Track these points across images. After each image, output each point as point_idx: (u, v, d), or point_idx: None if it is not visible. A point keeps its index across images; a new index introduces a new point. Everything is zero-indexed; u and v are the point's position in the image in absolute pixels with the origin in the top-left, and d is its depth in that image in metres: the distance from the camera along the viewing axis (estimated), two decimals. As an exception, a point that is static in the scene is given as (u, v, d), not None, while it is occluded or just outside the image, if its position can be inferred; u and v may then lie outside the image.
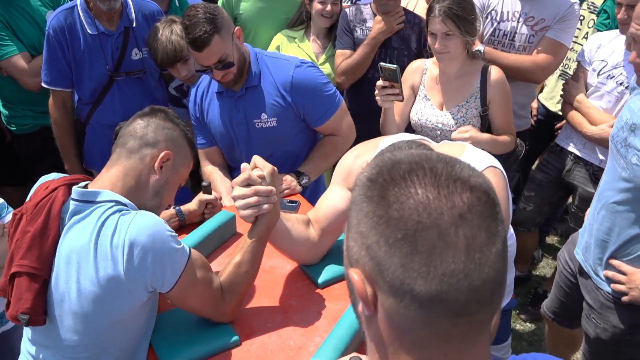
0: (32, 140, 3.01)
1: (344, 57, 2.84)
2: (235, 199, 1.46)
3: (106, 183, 1.42)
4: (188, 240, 1.77)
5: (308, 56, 2.96)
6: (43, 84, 2.58)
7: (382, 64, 2.14)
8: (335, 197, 1.70)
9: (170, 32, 2.43)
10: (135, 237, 1.30)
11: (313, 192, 2.42)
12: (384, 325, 0.67)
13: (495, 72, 2.34)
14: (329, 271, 1.73)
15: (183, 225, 2.01)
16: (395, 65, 2.11)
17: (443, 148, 1.61)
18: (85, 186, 1.44)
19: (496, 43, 2.69)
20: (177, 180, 1.53)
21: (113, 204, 1.37)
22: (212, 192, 2.05)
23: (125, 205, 1.39)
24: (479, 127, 2.35)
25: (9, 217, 2.03)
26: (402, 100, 2.25)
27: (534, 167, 3.44)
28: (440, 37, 2.24)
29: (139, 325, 1.45)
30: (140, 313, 1.42)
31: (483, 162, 1.50)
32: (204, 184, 2.01)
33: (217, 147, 2.38)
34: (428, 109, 2.41)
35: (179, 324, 1.53)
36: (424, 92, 2.44)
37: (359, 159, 1.66)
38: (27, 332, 1.47)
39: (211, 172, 2.36)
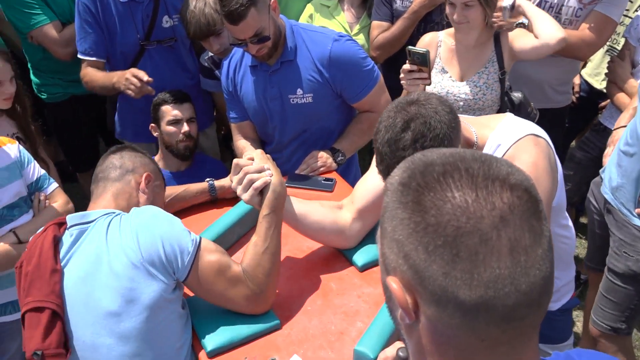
0: (62, 110, 2.99)
1: (381, 30, 2.74)
2: (234, 189, 1.51)
3: (99, 208, 1.49)
4: (208, 233, 1.73)
5: (342, 26, 2.87)
6: (79, 55, 2.53)
7: (410, 48, 2.06)
8: (373, 177, 1.65)
9: (203, 4, 2.35)
10: (142, 222, 1.36)
11: (345, 171, 2.37)
12: (427, 333, 0.64)
13: (507, 33, 2.31)
14: (369, 254, 1.70)
15: (215, 201, 1.99)
16: (425, 50, 2.04)
17: (482, 120, 1.55)
18: None
19: (541, 16, 2.56)
20: (159, 202, 1.64)
21: (108, 213, 1.43)
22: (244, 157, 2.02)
23: (119, 212, 1.45)
24: (499, 92, 2.30)
25: (51, 188, 2.04)
26: (429, 84, 2.18)
27: (572, 144, 3.35)
28: (460, 7, 2.17)
29: (176, 329, 1.41)
30: (173, 314, 1.40)
31: (522, 130, 1.45)
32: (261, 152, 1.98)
33: (249, 122, 2.33)
34: (447, 82, 2.34)
35: (220, 308, 1.51)
36: (440, 64, 2.36)
37: None
38: None
39: (244, 146, 2.32)
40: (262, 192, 1.49)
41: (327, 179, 2.13)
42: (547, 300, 0.63)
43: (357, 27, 2.90)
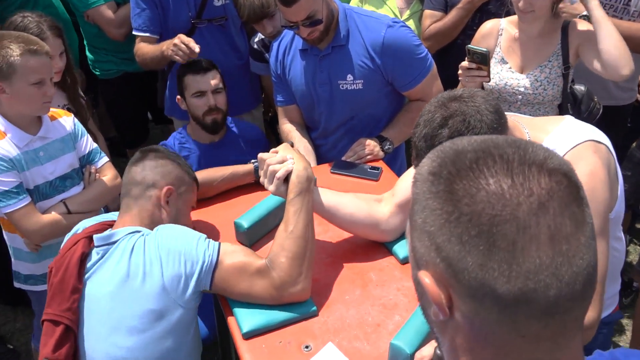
0: (114, 86, 3.05)
1: (433, 20, 2.65)
2: (262, 183, 1.53)
3: (124, 226, 1.52)
4: (249, 215, 1.73)
5: (391, 11, 2.79)
6: (133, 31, 2.57)
7: (470, 46, 1.99)
8: None
9: None
10: (164, 245, 1.40)
11: (392, 160, 2.32)
12: (463, 330, 0.61)
13: (578, 24, 2.14)
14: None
15: (259, 183, 1.99)
16: (485, 49, 1.97)
17: (538, 122, 1.47)
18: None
19: (607, 7, 2.42)
20: (187, 207, 1.66)
21: (132, 233, 1.47)
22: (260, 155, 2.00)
23: (142, 231, 1.48)
24: (561, 87, 2.18)
25: (102, 162, 2.09)
26: (489, 82, 2.10)
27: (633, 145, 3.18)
28: None
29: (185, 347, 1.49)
30: (188, 335, 1.49)
31: (581, 135, 1.36)
32: (286, 144, 1.95)
33: (296, 106, 2.31)
34: (506, 73, 2.23)
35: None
36: (500, 54, 2.25)
37: None
38: None
39: (289, 130, 2.30)
40: (287, 181, 1.49)
41: (373, 168, 2.09)
42: (591, 293, 0.59)
43: (407, 13, 2.82)
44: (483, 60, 1.98)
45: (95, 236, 1.51)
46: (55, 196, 1.97)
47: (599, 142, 1.36)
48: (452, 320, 0.61)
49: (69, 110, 2.24)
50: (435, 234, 0.59)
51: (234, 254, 1.44)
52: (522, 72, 2.22)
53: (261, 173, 1.54)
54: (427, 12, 2.69)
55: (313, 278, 1.50)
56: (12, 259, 2.08)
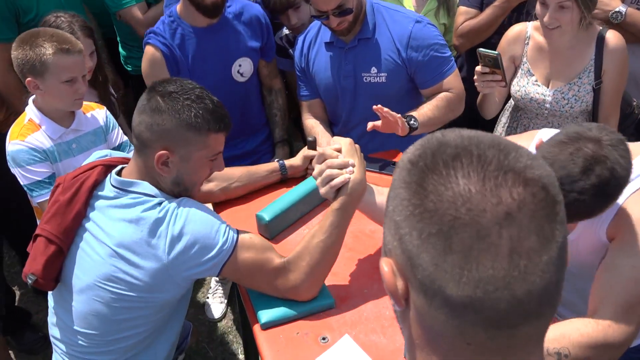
0: (144, 82, 3.11)
1: (468, 17, 2.60)
2: (314, 177, 1.45)
3: (135, 173, 1.46)
4: (271, 208, 1.74)
5: (406, 7, 2.77)
6: None
7: (481, 50, 1.94)
8: None
9: None
10: (182, 228, 1.35)
11: None
12: (416, 325, 0.61)
13: (614, 39, 2.02)
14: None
15: (285, 180, 2.00)
16: (496, 52, 1.91)
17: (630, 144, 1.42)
18: (121, 170, 1.50)
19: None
20: (196, 164, 1.44)
21: (150, 197, 1.40)
22: (317, 148, 2.00)
23: (161, 198, 1.42)
24: (591, 102, 2.09)
25: (131, 155, 2.14)
26: (505, 86, 2.04)
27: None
28: (553, 9, 1.93)
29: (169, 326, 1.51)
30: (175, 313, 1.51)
31: None
32: (309, 139, 1.97)
33: (320, 100, 2.32)
34: (532, 86, 2.15)
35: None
36: (527, 65, 2.17)
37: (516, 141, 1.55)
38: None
39: (313, 126, 2.32)
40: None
41: (396, 164, 2.09)
42: (550, 312, 0.57)
43: (424, 10, 2.79)
44: (495, 64, 1.94)
45: (114, 174, 1.47)
46: None
47: None
48: (409, 312, 0.61)
49: None
50: (400, 225, 0.58)
51: (250, 249, 1.42)
52: (548, 86, 2.13)
53: (316, 167, 1.45)
54: (461, 8, 2.64)
55: (332, 271, 1.51)
56: None
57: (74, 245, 1.45)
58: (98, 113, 2.10)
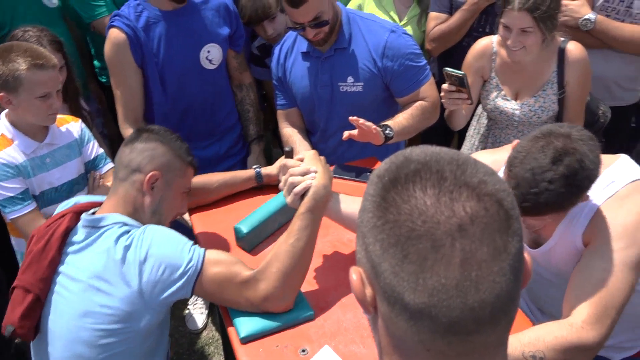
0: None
1: (438, 22, 2.64)
2: (281, 189, 1.50)
3: (110, 211, 1.50)
4: (248, 221, 1.74)
5: (389, 16, 2.80)
6: None
7: (447, 69, 1.97)
8: None
9: None
10: (147, 251, 1.37)
11: None
12: (383, 332, 0.65)
13: (574, 53, 2.10)
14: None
15: (261, 187, 2.00)
16: (462, 72, 1.95)
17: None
18: (94, 213, 1.52)
19: (610, 10, 2.42)
20: (175, 192, 1.59)
21: (120, 224, 1.44)
22: (294, 158, 2.00)
23: (131, 225, 1.46)
24: (557, 109, 2.17)
25: (106, 168, 2.12)
26: (471, 104, 2.09)
27: None
28: (516, 33, 2.00)
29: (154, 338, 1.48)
30: (157, 339, 1.49)
31: (634, 174, 1.40)
32: (286, 149, 1.96)
33: (297, 109, 2.32)
34: (501, 101, 2.23)
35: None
36: (495, 80, 2.24)
37: (493, 155, 1.59)
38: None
39: (290, 134, 2.32)
40: (305, 193, 1.47)
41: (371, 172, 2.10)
42: (505, 320, 0.60)
43: (405, 18, 2.83)
44: (461, 83, 1.98)
45: (83, 215, 1.49)
46: (60, 202, 1.99)
47: None
48: (377, 319, 0.65)
49: None
50: (366, 235, 0.62)
51: (218, 264, 1.42)
52: (516, 99, 2.21)
53: (282, 179, 1.51)
54: (432, 14, 2.69)
55: (310, 281, 1.51)
56: (20, 264, 2.12)
57: (50, 292, 1.46)
58: (73, 126, 2.07)
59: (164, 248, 1.39)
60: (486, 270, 0.57)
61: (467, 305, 0.56)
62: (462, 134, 2.65)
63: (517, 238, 0.60)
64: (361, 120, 1.91)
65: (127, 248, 1.38)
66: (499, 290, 0.57)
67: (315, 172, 1.47)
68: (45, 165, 1.96)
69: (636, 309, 1.59)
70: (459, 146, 2.78)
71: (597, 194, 1.38)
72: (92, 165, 2.11)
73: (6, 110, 1.92)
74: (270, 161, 2.58)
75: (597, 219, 1.37)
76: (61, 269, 1.45)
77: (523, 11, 1.95)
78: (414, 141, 3.37)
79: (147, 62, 2.22)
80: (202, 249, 1.43)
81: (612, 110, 2.55)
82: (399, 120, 2.11)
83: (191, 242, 1.44)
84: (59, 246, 1.45)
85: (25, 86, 1.81)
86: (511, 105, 2.22)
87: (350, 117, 1.91)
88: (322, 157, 1.54)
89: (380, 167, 0.66)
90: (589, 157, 1.25)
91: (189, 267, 1.38)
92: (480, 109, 2.44)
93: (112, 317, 1.36)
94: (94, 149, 2.12)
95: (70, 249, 1.46)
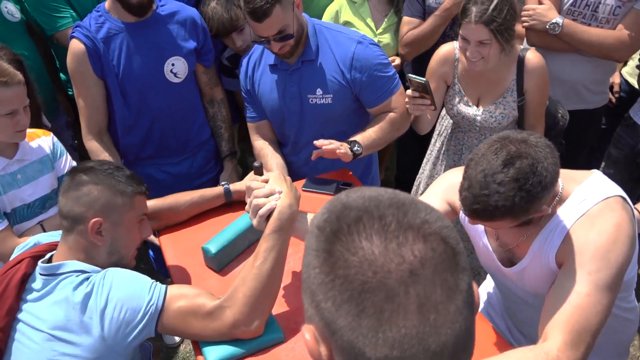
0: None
1: (411, 27, 2.64)
2: (247, 210, 1.47)
3: (65, 257, 1.46)
4: (218, 239, 1.72)
5: (367, 24, 2.79)
6: None
7: (410, 76, 1.97)
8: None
9: (225, 0, 2.32)
10: (108, 296, 1.35)
11: (364, 173, 2.32)
12: None
13: (533, 61, 2.13)
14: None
15: (230, 204, 1.97)
16: (424, 79, 1.95)
17: (570, 172, 1.45)
18: (50, 258, 1.49)
19: (576, 14, 2.43)
20: (128, 227, 1.52)
21: (78, 273, 1.41)
22: (264, 173, 1.97)
23: (89, 272, 1.42)
24: (517, 115, 2.21)
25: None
26: (434, 110, 2.09)
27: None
28: (474, 45, 2.03)
29: None
30: None
31: (611, 190, 1.37)
32: (255, 164, 1.93)
33: (267, 121, 2.29)
34: (463, 106, 2.26)
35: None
36: (458, 86, 2.26)
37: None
38: None
39: (262, 147, 2.29)
40: (271, 214, 1.44)
41: (345, 184, 2.09)
42: (465, 355, 0.60)
43: (383, 25, 2.82)
44: (424, 89, 1.98)
45: (40, 264, 1.46)
46: (33, 218, 1.95)
47: (623, 198, 1.37)
48: None
49: None
50: (315, 292, 0.60)
51: (181, 298, 1.39)
52: (478, 105, 2.24)
53: (247, 201, 1.47)
54: (405, 19, 2.69)
55: (280, 302, 1.49)
56: None
57: (10, 340, 1.42)
58: (44, 141, 2.03)
59: (123, 290, 1.37)
60: (443, 312, 0.56)
61: (430, 351, 0.56)
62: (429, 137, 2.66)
63: (466, 273, 0.60)
64: (325, 144, 1.93)
65: (87, 295, 1.35)
66: (458, 329, 0.57)
67: (280, 192, 1.44)
68: (16, 182, 1.91)
69: (619, 336, 1.60)
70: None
71: (569, 212, 1.37)
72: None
73: None
74: (246, 171, 2.56)
75: (570, 239, 1.35)
76: (20, 316, 1.41)
77: (480, 24, 1.97)
78: (387, 148, 3.37)
79: (107, 74, 2.19)
80: (164, 286, 1.41)
81: (582, 113, 2.59)
82: (368, 135, 2.10)
83: (152, 281, 1.41)
84: (17, 294, 1.42)
85: None
86: (473, 111, 2.24)
87: (315, 141, 1.92)
88: (287, 177, 1.52)
89: (318, 217, 0.64)
90: (542, 163, 1.22)
91: (149, 306, 1.36)
92: (444, 111, 2.45)
93: None
94: (67, 162, 2.08)
95: (29, 296, 1.42)
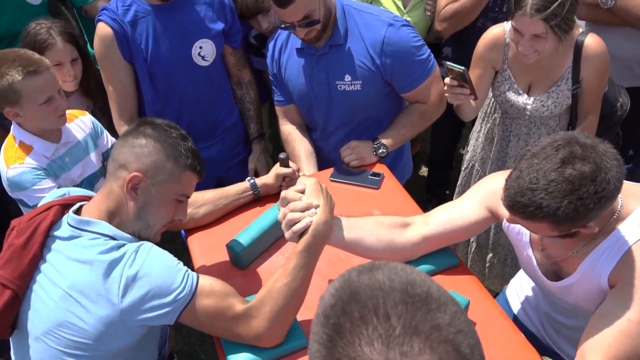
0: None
1: (449, 0, 2.48)
2: (279, 220, 1.41)
3: (94, 210, 1.41)
4: (242, 237, 1.68)
5: (392, 1, 2.63)
6: None
7: (448, 64, 1.84)
8: (462, 210, 1.52)
9: None
10: (138, 271, 1.30)
11: (394, 162, 2.24)
12: None
13: (592, 47, 1.94)
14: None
15: (258, 199, 1.92)
16: (462, 68, 1.81)
17: (632, 187, 1.32)
18: (80, 208, 1.44)
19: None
20: (163, 199, 1.43)
21: (107, 237, 1.36)
22: (290, 164, 1.91)
23: (119, 240, 1.37)
24: (570, 104, 2.05)
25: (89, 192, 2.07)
26: (475, 99, 1.95)
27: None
28: (529, 38, 1.84)
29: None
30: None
31: None
32: (281, 156, 1.88)
33: (295, 105, 2.22)
34: (513, 94, 2.10)
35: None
36: (508, 72, 2.10)
37: None
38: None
39: (289, 132, 2.23)
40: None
41: (374, 174, 2.01)
42: None
43: (411, 3, 2.65)
44: (462, 79, 1.85)
45: (71, 213, 1.41)
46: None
47: None
48: None
49: (92, 113, 2.24)
50: None
51: (209, 296, 1.35)
52: (528, 93, 2.08)
53: (280, 209, 1.41)
54: None
55: (306, 306, 1.46)
56: None
57: (29, 289, 1.40)
58: (83, 120, 2.05)
59: (155, 272, 1.31)
60: None
61: None
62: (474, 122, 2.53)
63: None
64: (347, 157, 2.03)
65: (115, 262, 1.30)
66: None
67: (317, 206, 1.38)
68: (65, 165, 1.96)
69: None
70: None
71: (628, 232, 1.26)
72: (108, 155, 2.08)
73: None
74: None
75: (627, 260, 1.24)
76: (42, 267, 1.38)
77: (535, 15, 1.77)
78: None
79: (135, 58, 2.13)
80: (195, 277, 1.37)
81: (636, 90, 2.41)
82: (397, 131, 2.06)
83: (185, 270, 1.36)
84: (42, 242, 1.38)
85: (26, 96, 1.78)
86: (523, 100, 2.10)
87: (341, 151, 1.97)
88: (324, 186, 1.44)
89: (326, 298, 0.61)
90: (605, 174, 1.11)
91: (178, 297, 1.32)
92: (491, 93, 2.31)
93: (85, 332, 1.31)
94: (109, 138, 2.11)
95: (54, 245, 1.39)
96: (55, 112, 1.85)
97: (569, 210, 1.13)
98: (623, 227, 1.26)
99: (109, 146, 2.08)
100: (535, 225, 1.22)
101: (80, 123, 2.02)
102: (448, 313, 0.55)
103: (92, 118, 2.08)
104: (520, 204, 1.16)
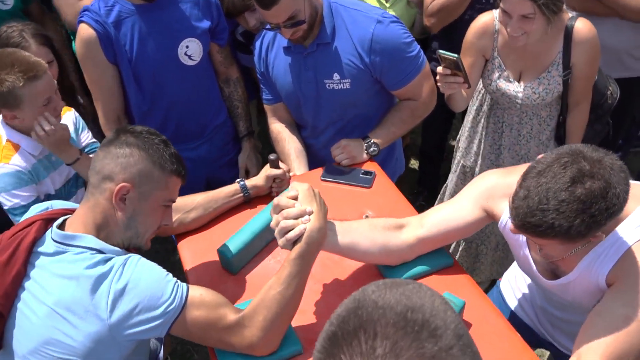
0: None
1: None
2: (272, 227, 1.38)
3: (79, 224, 1.37)
4: (233, 241, 1.65)
5: None
6: None
7: (441, 52, 1.82)
8: (457, 210, 1.50)
9: None
10: (126, 285, 1.27)
11: (385, 159, 2.22)
12: None
13: (582, 32, 1.93)
14: (403, 270, 1.57)
15: (249, 201, 1.89)
16: (456, 55, 1.79)
17: (632, 188, 1.28)
18: (63, 222, 1.41)
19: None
20: (152, 207, 1.41)
21: (94, 251, 1.32)
22: (280, 165, 1.89)
23: (106, 253, 1.34)
24: (561, 91, 2.04)
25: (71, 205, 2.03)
26: (468, 88, 1.93)
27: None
28: (517, 19, 1.83)
29: None
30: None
31: None
32: (270, 157, 1.86)
33: (283, 104, 2.19)
34: (503, 82, 2.09)
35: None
36: (498, 60, 2.08)
37: (506, 178, 1.44)
38: None
39: (279, 131, 2.20)
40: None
41: (365, 172, 1.99)
42: None
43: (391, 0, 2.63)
44: (456, 66, 1.83)
45: (55, 228, 1.38)
46: (68, 194, 2.04)
47: None
48: None
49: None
50: None
51: (201, 307, 1.33)
52: (519, 81, 2.06)
53: (273, 216, 1.39)
54: None
55: (300, 311, 1.44)
56: None
57: (14, 308, 1.36)
58: (67, 116, 2.05)
59: (145, 284, 1.29)
60: None
61: None
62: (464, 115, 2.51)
63: None
64: (338, 157, 2.01)
65: (103, 277, 1.27)
66: None
67: (311, 212, 1.36)
68: (52, 164, 1.95)
69: None
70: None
71: (627, 233, 1.25)
72: (88, 152, 2.08)
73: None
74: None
75: (626, 260, 1.23)
76: (26, 284, 1.34)
77: None
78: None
79: (119, 59, 2.09)
80: (185, 288, 1.34)
81: (625, 81, 2.40)
82: (387, 129, 2.04)
83: (175, 282, 1.33)
84: (25, 258, 1.35)
85: (27, 101, 1.80)
86: (514, 87, 2.08)
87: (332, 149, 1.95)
88: (317, 192, 1.42)
89: (343, 302, 0.63)
90: (615, 189, 1.10)
91: (168, 308, 1.29)
92: (480, 85, 2.29)
93: (73, 349, 1.28)
94: (87, 137, 2.10)
95: (38, 261, 1.35)
96: (54, 112, 1.87)
97: (582, 228, 1.13)
98: (622, 228, 1.25)
99: (85, 143, 2.07)
100: (545, 241, 1.21)
101: (65, 119, 1.99)
102: (439, 345, 0.53)
103: (76, 114, 2.08)
104: (530, 224, 1.15)
